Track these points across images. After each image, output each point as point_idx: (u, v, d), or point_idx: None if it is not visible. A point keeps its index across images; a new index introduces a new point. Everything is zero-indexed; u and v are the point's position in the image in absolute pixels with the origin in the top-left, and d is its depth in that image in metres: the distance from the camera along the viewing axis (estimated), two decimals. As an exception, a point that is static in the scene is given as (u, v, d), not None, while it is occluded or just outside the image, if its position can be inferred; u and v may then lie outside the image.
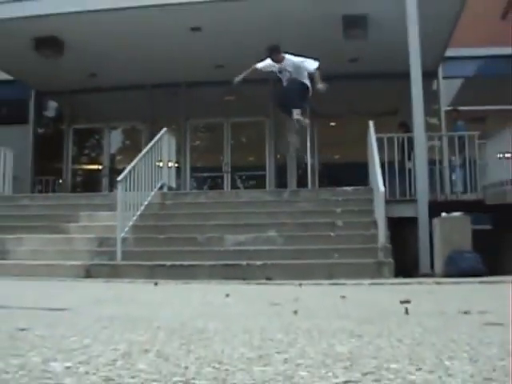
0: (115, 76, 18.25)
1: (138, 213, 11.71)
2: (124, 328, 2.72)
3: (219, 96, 19.12)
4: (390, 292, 6.06)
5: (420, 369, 1.73)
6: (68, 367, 1.72)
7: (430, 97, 16.58)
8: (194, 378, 1.57)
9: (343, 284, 7.35)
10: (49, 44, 16.04)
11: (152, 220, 12.09)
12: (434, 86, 18.17)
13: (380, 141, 12.72)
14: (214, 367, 1.73)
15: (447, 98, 18.20)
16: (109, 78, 18.45)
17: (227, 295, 4.97)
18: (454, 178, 14.09)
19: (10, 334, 2.45)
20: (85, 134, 21.26)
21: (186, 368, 1.72)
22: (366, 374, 1.65)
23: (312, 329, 2.71)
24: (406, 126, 15.34)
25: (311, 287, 6.94)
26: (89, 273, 9.75)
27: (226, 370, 1.69)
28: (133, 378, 1.57)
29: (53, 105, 22.05)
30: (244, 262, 9.84)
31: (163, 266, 9.88)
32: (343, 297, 4.82)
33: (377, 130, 12.58)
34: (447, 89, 18.33)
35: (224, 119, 19.45)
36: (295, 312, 3.51)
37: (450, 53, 16.77)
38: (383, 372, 1.67)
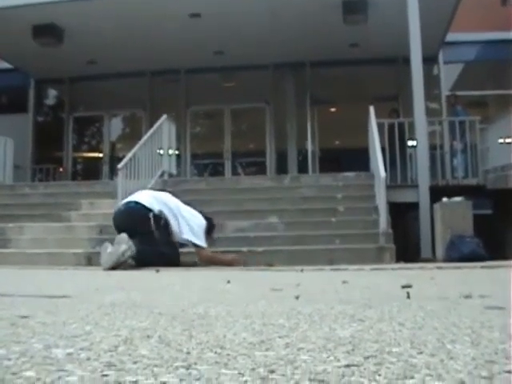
0: (115, 63, 18.26)
1: (139, 200, 11.68)
2: (125, 314, 2.72)
3: (219, 82, 19.13)
4: (391, 277, 6.06)
5: (422, 352, 1.73)
6: (70, 353, 1.72)
7: (431, 82, 16.59)
8: (195, 363, 1.57)
9: (344, 269, 7.34)
10: (48, 32, 16.05)
11: (153, 207, 12.08)
12: (435, 71, 18.17)
13: (381, 126, 12.71)
14: (215, 352, 1.73)
15: (448, 82, 18.21)
16: (108, 65, 18.46)
17: (228, 281, 4.98)
18: (454, 163, 14.08)
19: (12, 321, 2.45)
20: (85, 121, 21.28)
21: (188, 353, 1.72)
22: (367, 357, 1.65)
23: (313, 313, 2.71)
24: (397, 112, 15.36)
25: (313, 273, 6.94)
26: (90, 260, 9.78)
27: (228, 354, 1.69)
28: (135, 363, 1.57)
29: (52, 93, 22.07)
30: (245, 249, 9.86)
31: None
32: (345, 282, 4.82)
33: (377, 116, 12.58)
34: (448, 74, 18.34)
35: (224, 106, 19.47)
36: (297, 297, 3.51)
37: (450, 38, 16.77)
38: (385, 355, 1.67)
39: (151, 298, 3.65)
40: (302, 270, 7.08)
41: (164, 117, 13.70)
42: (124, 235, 8.09)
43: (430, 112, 14.96)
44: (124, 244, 7.95)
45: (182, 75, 19.55)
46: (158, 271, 7.14)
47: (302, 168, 18.67)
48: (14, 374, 1.45)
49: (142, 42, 16.94)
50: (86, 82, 20.24)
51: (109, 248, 7.99)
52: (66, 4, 14.84)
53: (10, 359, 1.63)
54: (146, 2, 14.88)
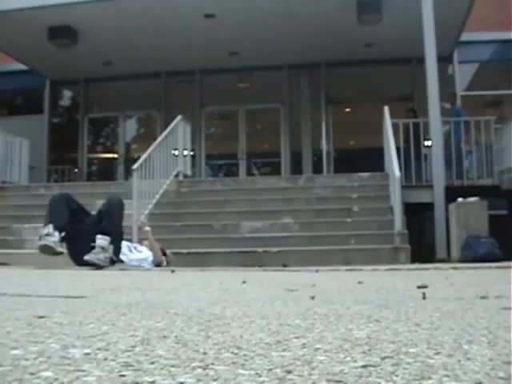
0: (129, 64, 18.31)
1: (154, 201, 11.76)
2: (142, 315, 2.73)
3: (234, 83, 19.15)
4: (406, 277, 6.05)
5: (439, 353, 1.72)
6: (87, 353, 1.72)
7: (446, 81, 16.51)
8: (212, 364, 1.57)
9: (360, 270, 7.33)
10: (63, 33, 16.13)
11: (168, 208, 12.14)
12: (450, 71, 18.09)
13: (395, 126, 12.68)
14: (232, 352, 1.73)
15: (463, 82, 18.15)
16: (123, 66, 18.51)
17: (244, 282, 4.98)
18: (466, 164, 14.01)
19: (28, 321, 2.46)
20: (100, 122, 21.34)
21: (205, 353, 1.72)
22: (384, 358, 1.65)
23: (329, 314, 2.71)
24: (414, 112, 15.31)
25: (328, 273, 6.93)
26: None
27: (245, 355, 1.69)
28: (152, 363, 1.58)
29: (68, 94, 22.15)
30: (260, 249, 9.88)
31: (180, 253, 9.92)
32: (360, 282, 4.82)
33: (392, 116, 12.54)
34: (463, 73, 18.25)
35: (239, 106, 19.48)
36: (312, 297, 3.51)
37: (465, 37, 16.70)
38: (402, 356, 1.67)
39: (167, 299, 3.66)
40: (317, 271, 7.08)
41: (179, 117, 13.72)
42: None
43: (444, 112, 14.91)
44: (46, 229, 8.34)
45: (196, 76, 19.57)
46: (173, 271, 7.15)
47: (317, 168, 18.66)
48: (31, 374, 1.45)
49: (156, 42, 16.98)
50: (100, 83, 20.30)
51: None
52: (81, 5, 14.90)
53: (27, 359, 1.63)
54: (161, 3, 14.91)
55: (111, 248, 8.37)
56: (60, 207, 8.63)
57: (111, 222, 8.55)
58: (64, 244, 8.51)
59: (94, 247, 8.25)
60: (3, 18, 15.13)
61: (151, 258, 9.04)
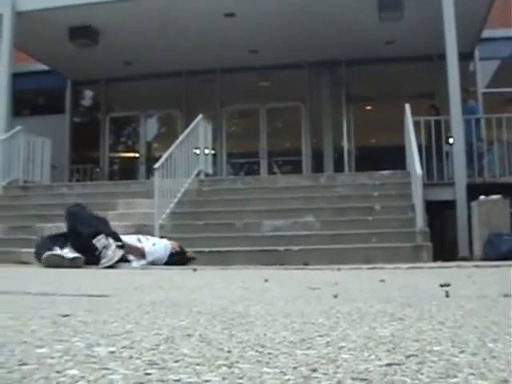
0: (150, 63, 18.36)
1: (176, 200, 11.78)
2: (165, 313, 2.74)
3: (254, 82, 19.15)
4: (429, 275, 6.04)
5: (463, 351, 1.72)
6: (112, 352, 1.73)
7: (467, 79, 16.43)
8: (237, 362, 1.57)
9: (381, 268, 7.33)
10: (84, 33, 16.22)
11: (189, 206, 12.15)
12: (471, 68, 17.99)
13: (417, 124, 12.62)
14: (256, 351, 1.74)
15: (484, 79, 18.04)
16: (144, 65, 18.57)
17: (266, 280, 4.99)
18: (485, 161, 13.92)
19: (53, 319, 2.48)
20: (121, 122, 21.42)
21: (229, 352, 1.72)
22: (409, 356, 1.65)
23: (353, 312, 2.71)
24: (436, 109, 15.24)
25: (350, 271, 6.93)
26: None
27: (269, 353, 1.70)
28: (177, 361, 1.58)
29: (89, 94, 22.25)
30: (281, 248, 9.87)
31: (201, 252, 9.92)
32: (382, 280, 4.81)
33: (413, 113, 12.49)
34: (484, 70, 18.15)
35: (260, 105, 19.49)
36: (335, 296, 3.51)
37: (486, 34, 16.61)
38: (426, 354, 1.67)
39: (190, 297, 3.67)
40: (338, 269, 7.08)
41: (200, 116, 13.74)
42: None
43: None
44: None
45: (217, 75, 19.59)
46: (194, 270, 7.17)
47: (338, 166, 18.63)
48: (58, 372, 1.47)
49: (177, 42, 17.01)
50: (121, 83, 20.37)
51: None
52: (101, 6, 14.95)
53: (53, 358, 1.64)
54: (181, 2, 14.94)
55: (111, 240, 8.39)
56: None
57: (87, 227, 8.58)
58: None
59: (100, 252, 8.31)
60: (24, 19, 15.20)
61: (169, 246, 9.16)
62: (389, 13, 14.72)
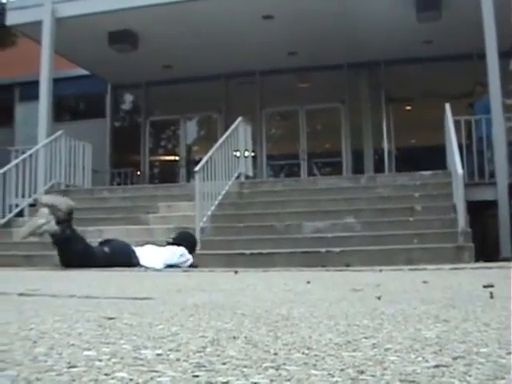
0: (189, 67, 18.44)
1: (216, 202, 11.81)
2: (209, 316, 2.75)
3: (293, 83, 19.14)
4: (471, 276, 6.00)
5: (510, 352, 1.71)
6: (159, 354, 1.75)
7: (507, 77, 16.25)
8: (284, 364, 1.58)
9: (423, 269, 7.28)
10: (123, 38, 16.32)
11: (230, 209, 12.17)
12: (511, 67, 17.78)
13: (457, 123, 12.51)
14: (303, 353, 1.74)
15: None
16: (183, 69, 18.65)
17: (308, 282, 4.98)
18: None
19: (99, 322, 2.51)
20: (161, 125, 21.52)
21: (276, 354, 1.73)
22: (456, 358, 1.64)
23: (397, 314, 2.71)
24: (483, 85, 14.82)
25: (391, 273, 6.90)
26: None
27: (316, 355, 1.70)
28: (224, 364, 1.59)
29: (129, 98, 22.37)
30: (323, 249, 9.85)
31: (242, 254, 9.94)
32: (425, 282, 4.79)
33: (453, 113, 12.38)
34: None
35: (299, 106, 19.46)
36: (378, 297, 3.50)
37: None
38: (473, 356, 1.66)
39: (233, 300, 3.68)
40: (380, 270, 7.05)
41: (240, 119, 13.76)
42: (46, 210, 8.69)
43: (506, 108, 14.66)
44: (43, 218, 8.54)
45: (256, 77, 19.60)
46: (236, 272, 7.19)
47: (379, 167, 18.55)
48: (106, 374, 1.48)
49: (215, 45, 17.06)
50: (161, 87, 20.47)
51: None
52: (140, 10, 15.04)
53: (100, 360, 1.66)
54: (219, 6, 14.98)
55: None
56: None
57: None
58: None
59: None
60: (64, 25, 15.34)
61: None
62: (427, 13, 14.62)
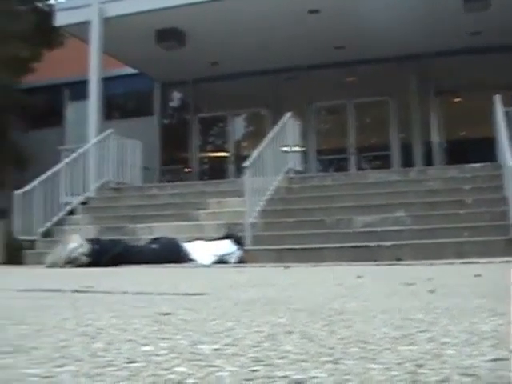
0: (236, 63, 18.45)
1: (266, 197, 11.81)
2: (263, 311, 2.77)
3: (341, 77, 19.05)
4: (525, 269, 5.93)
5: None
6: (216, 349, 1.76)
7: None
8: (341, 358, 1.58)
9: (475, 262, 7.23)
10: (170, 36, 16.40)
11: (279, 204, 12.17)
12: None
13: (507, 115, 12.35)
14: (359, 347, 1.75)
15: None
16: (230, 65, 18.67)
17: (359, 276, 4.98)
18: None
19: (155, 318, 2.53)
20: (209, 122, 21.56)
21: (332, 348, 1.73)
22: (513, 351, 1.63)
23: (451, 308, 2.69)
24: None
25: (443, 266, 6.86)
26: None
27: (372, 349, 1.70)
28: (281, 358, 1.60)
29: (177, 95, 22.46)
30: (373, 244, 9.82)
31: (292, 249, 9.95)
32: (477, 275, 4.75)
33: (504, 104, 12.23)
34: None
35: (347, 100, 19.37)
36: (431, 291, 3.49)
37: None
38: (531, 350, 1.65)
39: (285, 294, 3.69)
40: (431, 264, 7.01)
41: (288, 114, 13.75)
42: (75, 235, 8.90)
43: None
44: (74, 242, 8.67)
45: (303, 72, 19.55)
46: (286, 267, 7.20)
47: (428, 160, 18.40)
48: (165, 369, 1.50)
49: (262, 41, 17.05)
50: (209, 83, 20.51)
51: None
52: (187, 8, 15.09)
53: (158, 355, 1.68)
54: (265, 1, 14.99)
55: None
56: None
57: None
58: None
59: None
60: (112, 25, 15.46)
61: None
62: (474, 2, 14.46)
